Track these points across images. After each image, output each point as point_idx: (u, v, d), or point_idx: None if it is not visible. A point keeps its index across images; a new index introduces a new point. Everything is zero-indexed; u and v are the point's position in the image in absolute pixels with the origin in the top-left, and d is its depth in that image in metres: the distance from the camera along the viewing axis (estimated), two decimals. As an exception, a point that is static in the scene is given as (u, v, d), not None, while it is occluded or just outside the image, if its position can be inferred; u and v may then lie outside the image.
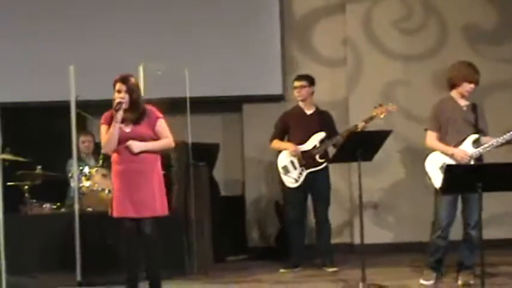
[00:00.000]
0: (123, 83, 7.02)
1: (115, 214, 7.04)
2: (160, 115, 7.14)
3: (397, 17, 10.13)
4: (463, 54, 9.32)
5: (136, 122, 7.04)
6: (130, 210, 6.97)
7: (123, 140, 6.99)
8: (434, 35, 10.11)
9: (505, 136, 7.53)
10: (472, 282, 7.53)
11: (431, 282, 7.77)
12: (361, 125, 8.49)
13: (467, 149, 7.63)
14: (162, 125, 7.12)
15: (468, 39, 10.06)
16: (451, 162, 7.58)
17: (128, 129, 7.03)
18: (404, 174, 9.94)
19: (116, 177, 7.08)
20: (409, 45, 10.10)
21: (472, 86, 7.76)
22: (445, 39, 10.08)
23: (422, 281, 7.76)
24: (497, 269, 8.05)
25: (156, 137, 7.06)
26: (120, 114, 6.96)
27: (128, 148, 6.96)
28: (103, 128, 7.09)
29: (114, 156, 7.08)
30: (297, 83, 8.90)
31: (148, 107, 7.18)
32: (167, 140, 7.13)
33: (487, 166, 6.90)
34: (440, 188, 7.16)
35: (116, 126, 6.96)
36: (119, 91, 7.00)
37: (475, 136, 7.68)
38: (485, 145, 7.60)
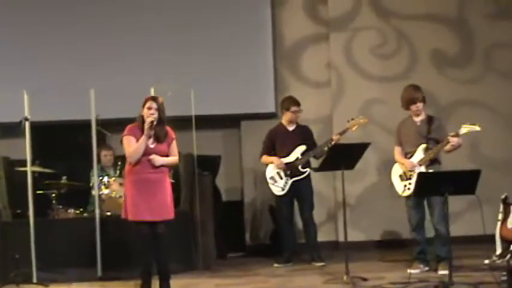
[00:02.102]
0: (154, 101, 7.08)
1: (131, 217, 7.05)
2: (174, 136, 7.23)
3: (374, 44, 10.15)
4: (430, 76, 9.44)
5: (159, 140, 7.10)
6: (146, 214, 7.00)
7: (146, 153, 7.04)
8: (406, 59, 10.13)
9: (443, 143, 7.71)
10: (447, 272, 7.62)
11: (417, 271, 7.86)
12: (336, 137, 8.56)
13: (418, 157, 7.78)
14: (174, 145, 7.23)
15: (435, 63, 10.09)
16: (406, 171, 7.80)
17: (152, 146, 7.08)
18: (381, 180, 9.92)
19: (133, 185, 7.07)
20: (385, 68, 10.12)
21: (417, 105, 7.96)
22: (416, 63, 10.10)
23: (409, 270, 7.81)
24: (461, 262, 8.06)
25: (169, 154, 7.18)
26: (151, 131, 7.01)
27: (150, 161, 7.02)
28: (127, 138, 7.10)
29: (134, 167, 7.08)
30: (297, 108, 8.89)
31: (167, 127, 7.25)
32: (176, 158, 7.28)
33: (451, 173, 7.00)
34: (413, 191, 7.36)
35: (145, 140, 7.00)
36: (150, 108, 7.03)
37: (424, 145, 7.84)
38: (430, 153, 7.74)
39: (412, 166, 7.82)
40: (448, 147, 7.76)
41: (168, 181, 7.19)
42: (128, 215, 7.10)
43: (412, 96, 7.96)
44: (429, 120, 7.95)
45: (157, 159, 7.05)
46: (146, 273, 7.15)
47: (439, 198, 7.41)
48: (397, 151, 8.08)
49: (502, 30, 10.09)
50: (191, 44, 10.04)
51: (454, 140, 7.67)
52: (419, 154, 7.84)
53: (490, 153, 9.55)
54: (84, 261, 8.30)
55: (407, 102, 7.98)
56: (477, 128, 7.70)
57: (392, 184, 8.04)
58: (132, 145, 7.07)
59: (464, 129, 7.69)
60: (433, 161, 7.83)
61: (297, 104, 8.94)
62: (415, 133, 7.93)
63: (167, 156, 7.17)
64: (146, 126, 7.00)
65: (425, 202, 7.89)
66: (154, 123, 7.02)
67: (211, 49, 10.05)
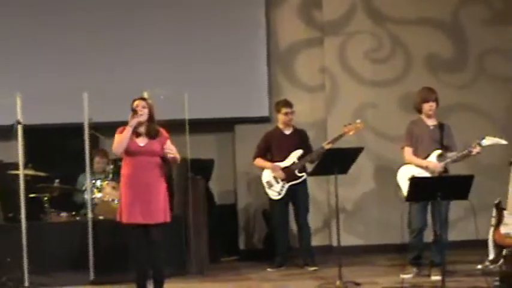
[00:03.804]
0: (142, 100, 7.14)
1: (125, 220, 7.05)
2: (168, 136, 7.21)
3: (368, 49, 10.15)
4: (425, 81, 9.39)
5: (151, 137, 7.10)
6: (139, 217, 6.98)
7: (137, 153, 7.02)
8: (400, 64, 10.13)
9: (463, 153, 7.68)
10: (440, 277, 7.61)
11: (410, 275, 7.87)
12: (327, 146, 8.53)
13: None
14: (169, 143, 7.19)
15: (429, 67, 10.09)
16: (421, 173, 7.70)
17: (142, 144, 7.07)
18: (375, 184, 9.97)
19: (127, 187, 7.06)
20: (379, 72, 10.12)
21: (430, 104, 7.91)
22: (410, 67, 10.10)
23: (402, 275, 7.83)
24: (454, 267, 8.10)
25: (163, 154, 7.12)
26: (134, 121, 6.99)
27: (143, 162, 7.02)
28: (117, 136, 7.10)
29: (127, 168, 7.09)
30: (288, 109, 8.87)
31: (159, 127, 7.23)
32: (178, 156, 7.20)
33: (445, 178, 7.02)
34: (406, 196, 7.29)
35: (128, 130, 6.98)
36: (137, 105, 7.05)
37: (438, 151, 7.80)
38: (447, 160, 7.73)
39: (440, 167, 7.71)
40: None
41: (163, 184, 7.15)
42: (122, 218, 7.09)
43: (426, 94, 7.92)
44: (441, 126, 7.92)
45: (174, 150, 7.06)
46: (141, 277, 7.14)
47: (444, 204, 7.38)
48: (410, 152, 7.92)
49: (496, 35, 10.11)
50: (185, 48, 10.02)
51: (477, 151, 7.61)
52: (432, 159, 7.79)
53: (483, 158, 9.47)
54: (77, 264, 8.31)
55: (421, 101, 7.91)
56: (503, 142, 7.64)
57: (398, 187, 7.91)
58: None
59: (487, 140, 7.61)
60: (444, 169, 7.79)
61: (289, 105, 8.94)
62: (428, 137, 7.86)
63: (159, 155, 7.13)
64: (130, 116, 7.00)
65: (429, 207, 7.85)
66: (141, 118, 7.00)
67: (205, 53, 10.04)
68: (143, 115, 7.06)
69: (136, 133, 7.07)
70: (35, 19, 9.98)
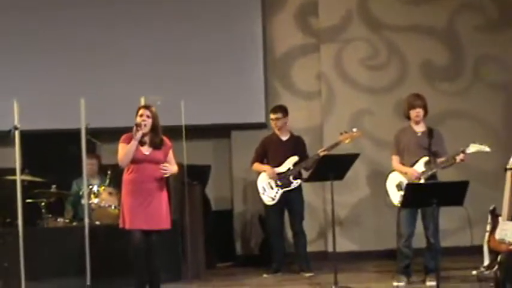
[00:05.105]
0: (146, 108, 7.12)
1: (127, 226, 7.07)
2: (171, 145, 7.24)
3: (364, 56, 10.17)
4: (420, 88, 9.39)
5: (155, 147, 7.12)
6: (142, 223, 7.00)
7: (141, 160, 7.05)
8: (396, 71, 10.15)
9: (448, 160, 7.70)
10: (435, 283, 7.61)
11: (403, 283, 7.85)
12: (322, 154, 8.52)
13: (419, 169, 7.78)
14: (172, 154, 7.24)
15: (425, 75, 10.12)
16: (405, 180, 7.73)
17: (147, 152, 7.09)
18: (371, 190, 9.97)
19: (129, 194, 7.08)
20: (375, 79, 10.15)
21: (417, 110, 7.90)
22: (405, 74, 10.12)
23: (395, 283, 7.82)
24: (449, 273, 8.09)
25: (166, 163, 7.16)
26: (139, 134, 7.00)
27: (148, 169, 7.05)
28: (121, 146, 7.11)
29: (131, 175, 7.10)
30: (272, 115, 8.93)
31: (164, 136, 7.25)
32: (176, 167, 7.28)
33: (440, 184, 7.03)
34: (401, 202, 7.31)
35: (134, 144, 7.01)
36: (141, 115, 7.06)
37: (426, 158, 7.81)
38: (433, 168, 7.74)
39: (418, 174, 7.73)
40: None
41: (164, 192, 7.20)
42: (125, 224, 7.10)
43: (413, 101, 7.92)
44: (430, 132, 7.90)
45: (171, 168, 7.09)
46: (141, 283, 7.13)
47: (435, 210, 7.40)
48: (396, 160, 7.95)
49: (491, 42, 10.12)
50: (182, 54, 10.04)
51: (460, 159, 7.62)
52: (419, 166, 7.78)
53: (479, 165, 9.53)
54: (73, 270, 8.26)
55: (408, 107, 7.92)
56: (487, 149, 7.65)
57: (386, 193, 7.94)
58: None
59: (472, 148, 7.62)
60: (431, 176, 7.79)
61: (274, 112, 8.96)
62: (415, 144, 7.85)
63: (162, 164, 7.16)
64: (134, 129, 7.02)
65: (418, 214, 7.85)
66: (144, 128, 7.02)
67: (202, 59, 10.05)
68: (147, 125, 7.06)
69: (140, 142, 7.09)
70: (32, 25, 9.97)
